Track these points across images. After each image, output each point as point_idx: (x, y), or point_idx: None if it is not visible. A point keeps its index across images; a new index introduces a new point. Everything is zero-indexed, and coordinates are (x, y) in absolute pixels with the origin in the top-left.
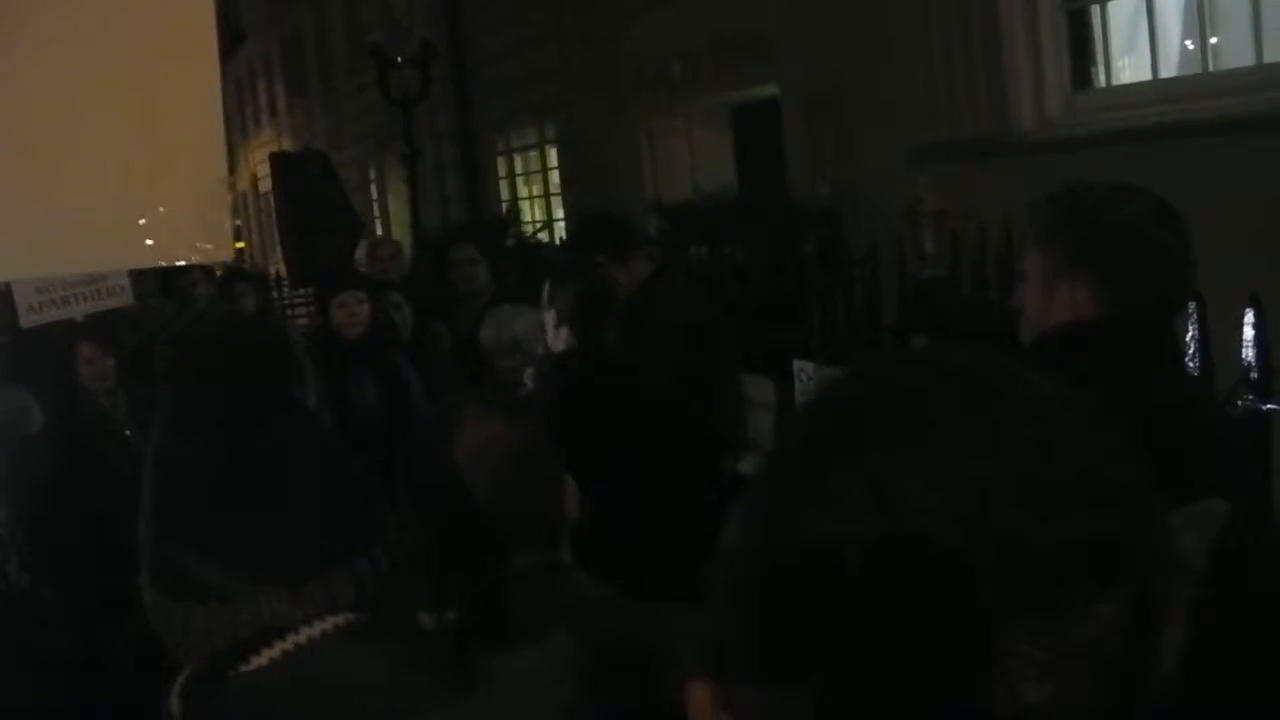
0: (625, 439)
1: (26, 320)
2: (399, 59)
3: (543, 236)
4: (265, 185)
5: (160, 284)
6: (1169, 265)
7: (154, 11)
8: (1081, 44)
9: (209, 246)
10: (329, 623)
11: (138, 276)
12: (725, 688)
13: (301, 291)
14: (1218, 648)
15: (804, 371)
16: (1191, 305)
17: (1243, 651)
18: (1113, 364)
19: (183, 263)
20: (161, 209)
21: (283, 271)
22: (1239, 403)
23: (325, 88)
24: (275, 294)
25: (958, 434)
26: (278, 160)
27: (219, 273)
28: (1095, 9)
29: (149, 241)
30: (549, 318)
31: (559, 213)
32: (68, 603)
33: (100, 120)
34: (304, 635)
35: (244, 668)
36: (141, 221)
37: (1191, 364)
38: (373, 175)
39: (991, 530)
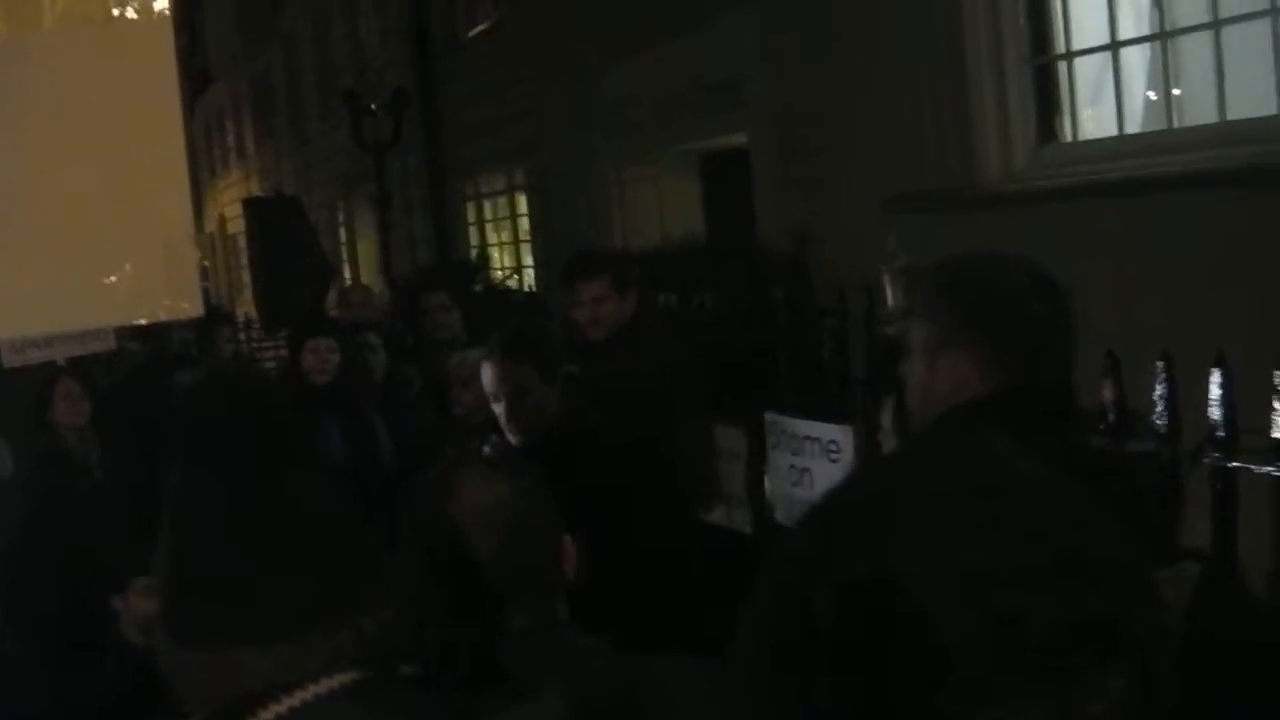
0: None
1: (9, 360)
2: (372, 105)
3: (512, 283)
4: (233, 227)
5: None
6: (1047, 337)
7: (119, 72)
8: (1047, 98)
9: (179, 304)
10: (335, 680)
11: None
12: None
13: (272, 336)
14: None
15: (776, 424)
16: (1160, 363)
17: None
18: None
19: (152, 320)
20: (129, 267)
21: (252, 314)
22: (1205, 460)
23: (294, 129)
24: (244, 337)
25: (955, 523)
26: (251, 205)
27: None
28: (1062, 64)
29: (118, 300)
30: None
31: (528, 259)
32: (39, 648)
33: (67, 181)
34: (310, 692)
35: None
36: (110, 279)
37: (1160, 421)
38: (341, 218)
39: (992, 613)
